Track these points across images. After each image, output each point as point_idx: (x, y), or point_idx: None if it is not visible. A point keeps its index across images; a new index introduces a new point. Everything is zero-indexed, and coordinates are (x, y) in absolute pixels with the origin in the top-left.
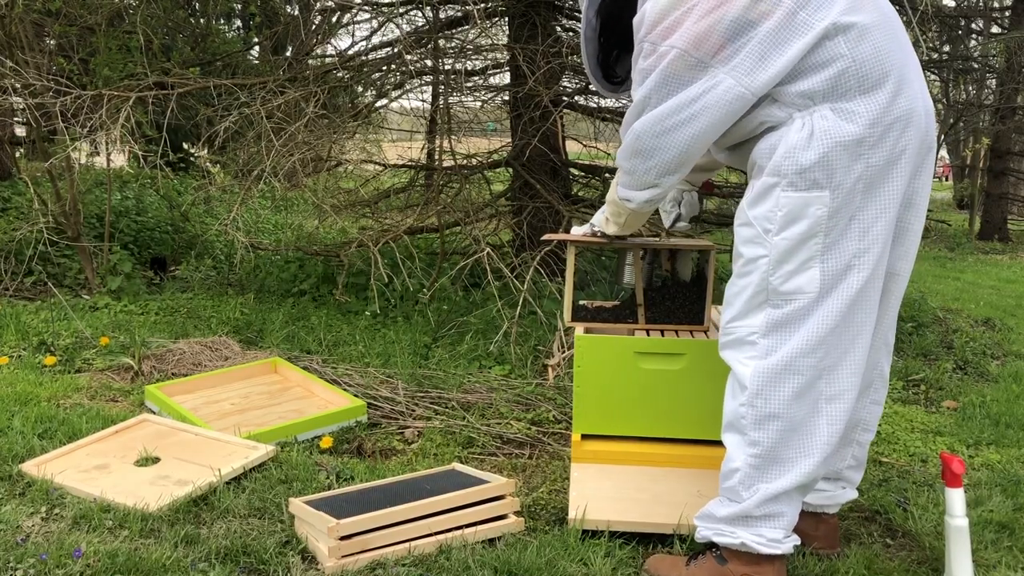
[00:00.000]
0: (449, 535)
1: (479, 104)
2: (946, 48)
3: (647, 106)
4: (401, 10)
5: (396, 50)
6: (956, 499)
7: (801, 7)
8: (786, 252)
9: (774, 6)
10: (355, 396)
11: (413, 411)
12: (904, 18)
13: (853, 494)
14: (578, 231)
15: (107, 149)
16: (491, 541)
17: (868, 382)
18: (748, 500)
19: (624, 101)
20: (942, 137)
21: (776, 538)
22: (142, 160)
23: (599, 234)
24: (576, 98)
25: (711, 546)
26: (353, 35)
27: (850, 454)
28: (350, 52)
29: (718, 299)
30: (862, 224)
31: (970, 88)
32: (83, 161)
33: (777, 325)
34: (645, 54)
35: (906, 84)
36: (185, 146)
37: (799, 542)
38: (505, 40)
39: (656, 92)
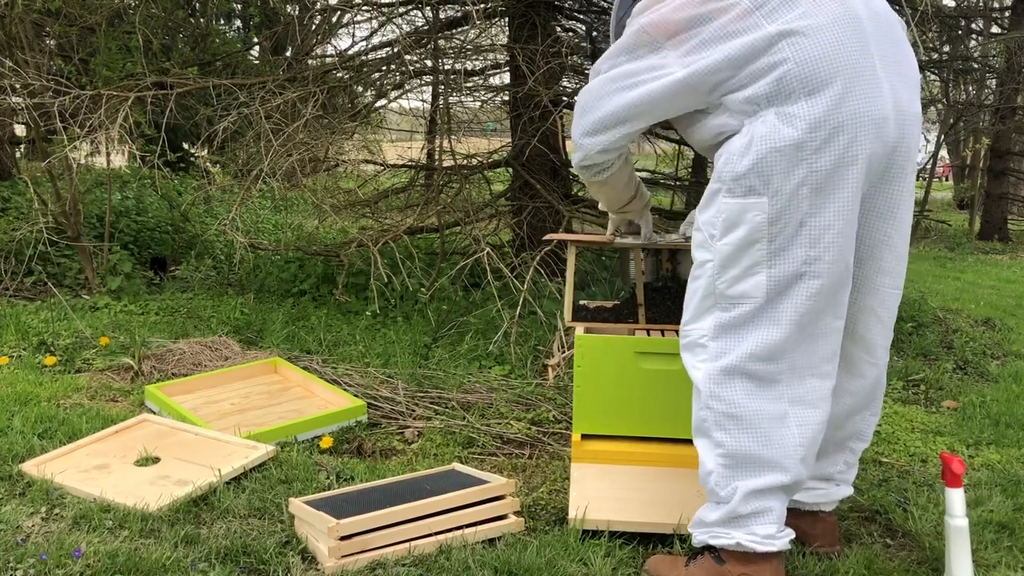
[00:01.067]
0: (449, 535)
1: (479, 104)
2: (946, 48)
3: (598, 72)
4: (401, 10)
5: (396, 50)
6: (956, 499)
7: (757, 7)
8: (729, 257)
9: (732, 4)
10: (355, 396)
11: (413, 411)
12: (903, 18)
13: (848, 490)
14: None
15: (106, 149)
16: (491, 541)
17: (871, 397)
18: (732, 500)
19: None
20: (942, 137)
21: (769, 533)
22: (140, 160)
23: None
24: (576, 98)
25: (710, 546)
26: (353, 35)
27: (842, 460)
28: (350, 52)
29: None
30: (812, 231)
31: (970, 88)
32: (82, 161)
33: (725, 328)
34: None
35: (861, 85)
36: (185, 146)
37: (793, 536)
38: (505, 40)
39: (610, 59)
